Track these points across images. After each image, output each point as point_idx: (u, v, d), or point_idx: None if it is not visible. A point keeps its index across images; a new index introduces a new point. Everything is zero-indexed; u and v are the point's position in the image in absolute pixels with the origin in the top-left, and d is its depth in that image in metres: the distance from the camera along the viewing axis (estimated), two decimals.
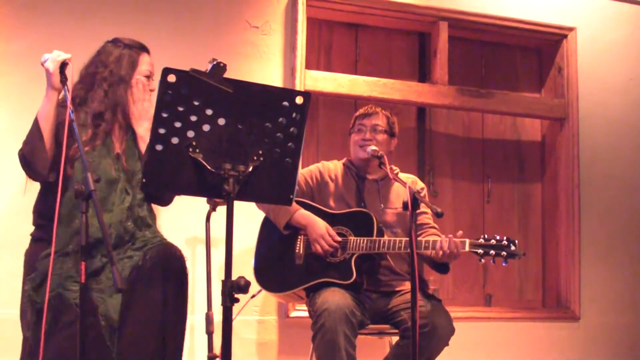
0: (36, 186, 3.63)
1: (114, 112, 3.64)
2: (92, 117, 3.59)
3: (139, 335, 3.34)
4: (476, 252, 3.96)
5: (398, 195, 4.40)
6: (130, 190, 3.56)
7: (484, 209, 6.15)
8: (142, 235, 3.54)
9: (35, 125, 3.42)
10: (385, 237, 4.15)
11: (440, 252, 3.97)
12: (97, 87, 3.62)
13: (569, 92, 6.03)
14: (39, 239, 3.57)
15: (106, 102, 3.63)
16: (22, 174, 3.52)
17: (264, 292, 4.37)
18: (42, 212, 3.59)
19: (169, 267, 3.43)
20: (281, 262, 4.25)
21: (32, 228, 3.64)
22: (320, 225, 4.15)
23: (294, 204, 3.81)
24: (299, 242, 4.23)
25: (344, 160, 4.54)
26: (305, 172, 4.43)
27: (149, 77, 3.73)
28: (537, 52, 6.38)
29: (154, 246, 3.48)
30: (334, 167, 4.49)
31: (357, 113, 4.50)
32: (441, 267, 4.19)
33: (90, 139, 3.55)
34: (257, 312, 5.07)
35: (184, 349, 3.52)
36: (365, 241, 4.11)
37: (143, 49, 3.79)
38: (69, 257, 3.35)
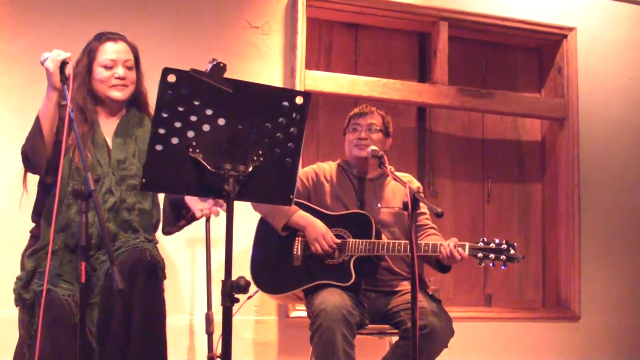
0: (31, 187, 3.63)
1: (92, 103, 3.64)
2: (79, 113, 3.59)
3: (113, 343, 3.34)
4: (475, 256, 3.97)
5: (394, 194, 4.40)
6: (115, 192, 3.55)
7: (484, 209, 6.15)
8: (124, 238, 3.53)
9: (37, 123, 3.42)
10: (385, 240, 4.15)
11: (442, 257, 3.98)
12: (74, 82, 3.56)
13: (569, 92, 6.03)
14: (33, 235, 3.59)
15: (82, 94, 3.63)
16: (22, 173, 3.53)
17: (262, 293, 4.36)
18: (36, 210, 3.61)
19: (136, 272, 3.38)
20: (278, 264, 4.25)
21: (26, 228, 3.65)
22: (319, 226, 4.15)
23: (292, 205, 3.81)
24: (296, 244, 4.22)
25: (338, 161, 4.53)
26: (301, 174, 4.41)
27: (110, 66, 3.64)
28: (537, 52, 6.38)
29: (125, 250, 3.46)
30: (329, 168, 4.48)
31: (352, 112, 4.49)
32: (442, 266, 4.18)
33: (82, 135, 3.52)
34: (257, 312, 5.07)
35: (167, 349, 3.51)
36: (364, 243, 4.10)
37: (109, 38, 3.70)
38: (55, 255, 3.35)
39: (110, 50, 3.67)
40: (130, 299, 3.36)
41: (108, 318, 3.35)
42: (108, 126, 3.69)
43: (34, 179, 3.59)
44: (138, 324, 3.36)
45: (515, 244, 4.00)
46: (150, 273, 3.45)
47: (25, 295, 3.37)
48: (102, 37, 3.71)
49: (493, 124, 6.23)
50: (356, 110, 4.48)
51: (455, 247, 3.96)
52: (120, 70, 3.65)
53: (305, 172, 4.44)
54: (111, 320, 3.35)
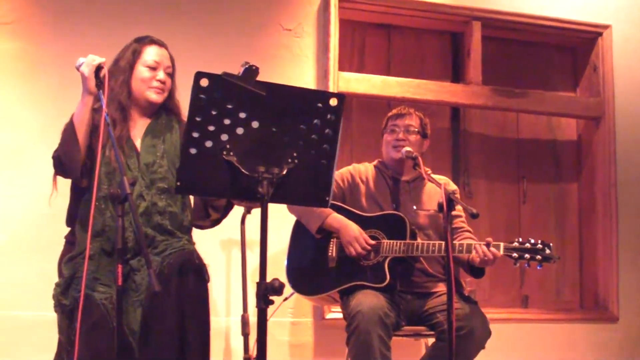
0: (63, 190, 3.65)
1: (118, 107, 3.61)
2: (119, 112, 3.61)
3: (160, 344, 3.33)
4: (510, 256, 3.93)
5: (430, 196, 4.38)
6: (147, 197, 3.54)
7: (520, 210, 6.12)
8: (165, 240, 3.54)
9: (71, 128, 3.43)
10: (419, 241, 4.13)
11: (477, 258, 3.95)
12: (113, 79, 3.58)
13: (605, 90, 5.98)
14: (69, 241, 3.61)
15: (125, 92, 3.65)
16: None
17: (298, 294, 4.36)
18: (70, 215, 3.63)
19: (185, 273, 3.39)
20: (314, 265, 4.25)
21: (64, 231, 3.68)
22: (353, 228, 4.14)
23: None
24: (331, 246, 4.22)
25: (375, 162, 4.52)
26: (337, 175, 4.40)
27: (154, 68, 3.67)
28: (571, 51, 6.33)
29: (172, 252, 3.46)
30: (364, 169, 4.47)
31: (390, 113, 4.48)
32: (476, 271, 4.16)
33: (119, 137, 3.54)
34: (293, 314, 5.07)
35: (210, 352, 3.52)
36: (398, 244, 4.08)
37: (152, 41, 3.73)
38: (92, 260, 3.36)
39: (155, 53, 3.70)
40: (180, 300, 3.37)
41: (154, 317, 3.36)
42: (137, 128, 3.70)
43: (64, 180, 3.61)
44: (188, 324, 3.37)
45: (551, 244, 3.96)
46: (198, 274, 3.47)
47: (65, 301, 3.38)
48: (146, 39, 3.74)
49: (528, 123, 6.19)
50: (394, 111, 4.47)
51: (489, 247, 3.93)
52: (161, 74, 3.68)
53: (340, 173, 4.44)
54: (157, 320, 3.35)
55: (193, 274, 3.43)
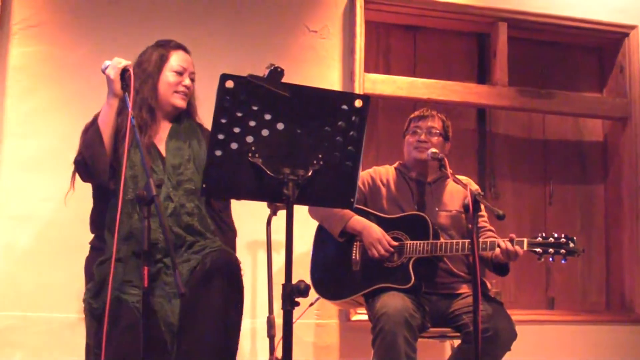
0: (78, 194, 3.67)
1: (148, 110, 3.65)
2: (150, 114, 3.64)
3: (201, 339, 3.32)
4: (534, 251, 3.92)
5: (452, 197, 4.37)
6: (174, 198, 3.56)
7: (546, 211, 6.09)
8: (197, 241, 3.55)
9: (96, 130, 3.45)
10: (443, 240, 4.12)
11: (499, 251, 3.94)
12: (139, 80, 3.62)
13: (632, 91, 5.95)
14: (94, 247, 3.62)
15: (154, 95, 3.68)
16: (80, 180, 3.57)
17: (323, 299, 4.37)
18: (94, 220, 3.65)
19: (228, 272, 3.41)
20: (338, 270, 4.25)
21: (89, 234, 3.70)
22: (375, 230, 4.14)
23: (348, 210, 3.79)
24: (354, 249, 4.22)
25: (395, 164, 4.52)
26: None
27: (181, 73, 3.72)
28: (598, 52, 6.30)
29: (213, 250, 3.47)
30: (385, 172, 4.47)
31: (412, 115, 4.48)
32: (500, 269, 4.15)
33: (148, 139, 3.59)
34: (318, 315, 5.08)
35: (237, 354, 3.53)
36: (422, 245, 4.08)
37: (178, 47, 3.78)
38: (121, 263, 3.37)
39: (181, 58, 3.75)
40: (222, 297, 3.37)
41: (195, 310, 3.35)
42: (160, 132, 3.72)
43: (87, 186, 3.63)
44: (228, 319, 3.39)
45: (575, 238, 3.93)
46: (239, 276, 3.50)
47: (95, 304, 3.37)
48: (171, 44, 3.78)
49: (554, 124, 6.17)
50: (417, 113, 4.47)
51: (513, 243, 3.92)
52: (187, 80, 3.72)
53: (361, 176, 4.41)
54: (199, 314, 3.34)
55: (234, 275, 3.46)
